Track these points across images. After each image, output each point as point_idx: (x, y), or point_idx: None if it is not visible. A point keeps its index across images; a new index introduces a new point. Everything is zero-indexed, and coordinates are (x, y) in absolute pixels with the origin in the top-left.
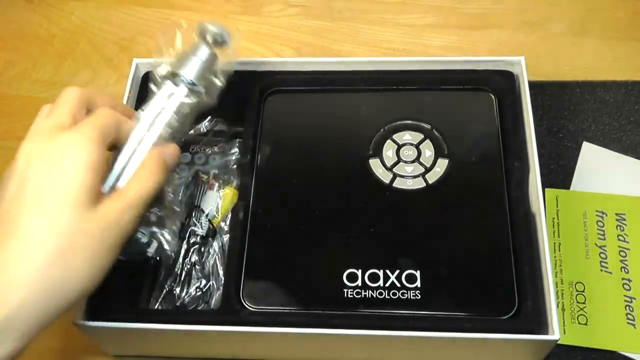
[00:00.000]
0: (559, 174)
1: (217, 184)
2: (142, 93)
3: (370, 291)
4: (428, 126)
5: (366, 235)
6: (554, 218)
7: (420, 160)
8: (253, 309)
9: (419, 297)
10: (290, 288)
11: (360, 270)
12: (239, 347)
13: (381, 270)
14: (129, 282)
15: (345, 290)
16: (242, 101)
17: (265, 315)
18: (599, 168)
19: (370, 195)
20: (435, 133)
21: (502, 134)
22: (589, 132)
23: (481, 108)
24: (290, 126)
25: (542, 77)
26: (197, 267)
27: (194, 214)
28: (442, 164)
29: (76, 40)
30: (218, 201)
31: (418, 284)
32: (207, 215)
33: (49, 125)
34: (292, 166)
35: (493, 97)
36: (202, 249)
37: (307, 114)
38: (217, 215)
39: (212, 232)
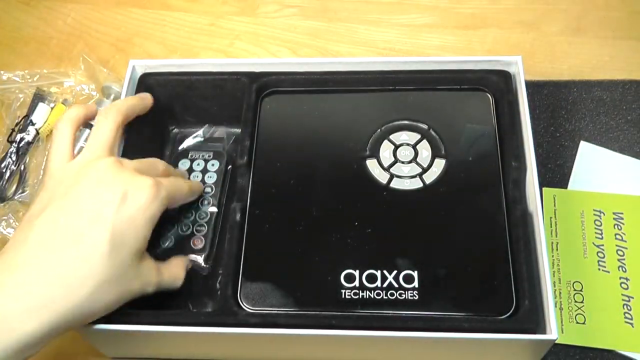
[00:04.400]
0: (556, 173)
1: (49, 99)
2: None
3: (367, 292)
4: (425, 126)
5: (363, 236)
6: (551, 217)
7: (417, 160)
8: (251, 311)
9: (417, 297)
10: (287, 289)
11: (357, 271)
12: (237, 349)
13: (379, 271)
14: None
15: (343, 291)
16: (239, 102)
17: (263, 317)
18: (596, 167)
19: (367, 196)
20: (432, 133)
21: (499, 133)
22: (586, 132)
23: (478, 108)
24: (287, 127)
25: (539, 77)
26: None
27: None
28: (439, 164)
29: (73, 42)
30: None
31: (416, 284)
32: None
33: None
34: (289, 167)
35: (490, 96)
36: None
37: (303, 115)
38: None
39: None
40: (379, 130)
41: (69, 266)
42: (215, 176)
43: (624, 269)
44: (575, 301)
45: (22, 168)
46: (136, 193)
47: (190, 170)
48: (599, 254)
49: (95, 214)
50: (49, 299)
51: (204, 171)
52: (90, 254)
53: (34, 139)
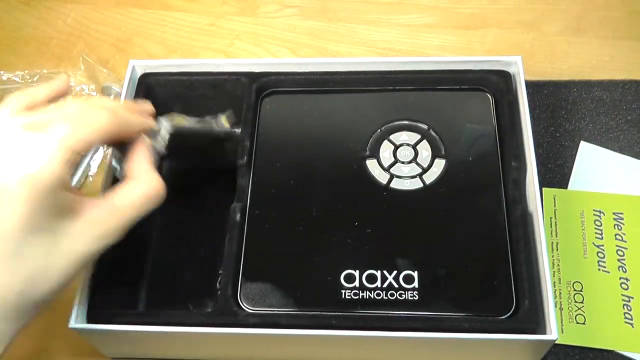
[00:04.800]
0: (556, 173)
1: None
2: (139, 94)
3: (367, 292)
4: (425, 126)
5: (363, 236)
6: (551, 217)
7: (417, 160)
8: (251, 311)
9: (417, 297)
10: (287, 289)
11: (357, 271)
12: (237, 349)
13: (379, 271)
14: (125, 284)
15: (343, 291)
16: (239, 102)
17: (263, 317)
18: (597, 167)
19: (367, 196)
20: (432, 133)
21: (499, 133)
22: (586, 132)
23: (478, 108)
24: (287, 127)
25: (539, 77)
26: None
27: None
28: (439, 164)
29: (73, 42)
30: None
31: (416, 284)
32: None
33: None
34: (289, 167)
35: (490, 97)
36: None
37: (303, 115)
38: None
39: None
40: (379, 130)
41: None
42: None
43: (624, 269)
44: (575, 301)
45: None
46: None
47: None
48: (599, 254)
49: None
50: None
51: None
52: None
53: None
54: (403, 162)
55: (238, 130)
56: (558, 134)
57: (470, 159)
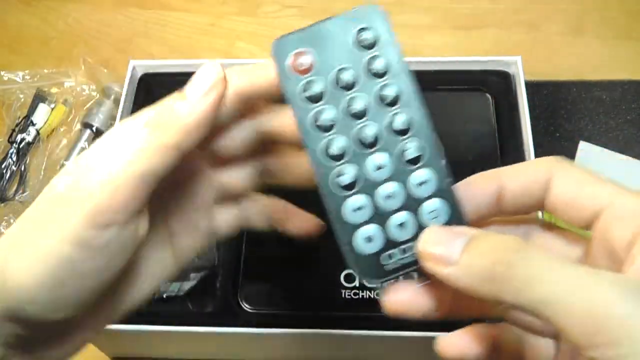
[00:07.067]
0: None
1: (49, 99)
2: (139, 94)
3: (367, 292)
4: None
5: None
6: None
7: None
8: (251, 311)
9: None
10: (287, 289)
11: None
12: (237, 348)
13: None
14: None
15: (343, 291)
16: None
17: (263, 317)
18: (596, 167)
19: None
20: None
21: (499, 133)
22: (586, 132)
23: (478, 108)
24: None
25: (539, 77)
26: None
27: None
28: None
29: (73, 42)
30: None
31: None
32: (35, 125)
33: None
34: None
35: (489, 97)
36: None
37: None
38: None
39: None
40: None
41: None
42: None
43: None
44: None
45: (22, 168)
46: None
47: None
48: None
49: None
50: None
51: None
52: None
53: (34, 139)
54: None
55: None
56: (558, 134)
57: (470, 158)
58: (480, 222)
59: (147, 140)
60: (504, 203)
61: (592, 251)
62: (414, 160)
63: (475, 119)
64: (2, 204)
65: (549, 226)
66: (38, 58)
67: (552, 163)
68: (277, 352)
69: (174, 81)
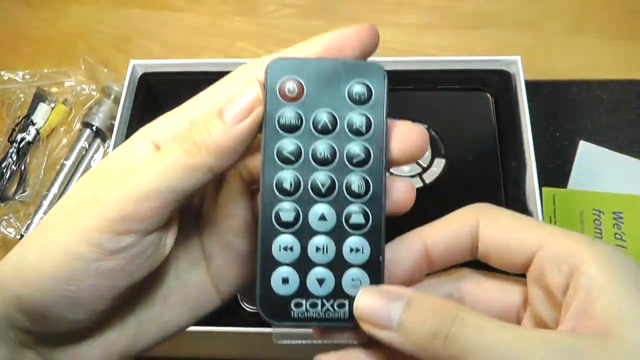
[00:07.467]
0: (555, 172)
1: (49, 99)
2: (139, 94)
3: None
4: (425, 126)
5: None
6: (551, 217)
7: (418, 160)
8: (251, 310)
9: None
10: None
11: None
12: (237, 348)
13: None
14: None
15: None
16: None
17: None
18: (596, 167)
19: None
20: (432, 133)
21: (499, 133)
22: (586, 131)
23: (478, 108)
24: None
25: (539, 77)
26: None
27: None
28: (439, 164)
29: (73, 42)
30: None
31: None
32: (35, 124)
33: None
34: None
35: (490, 96)
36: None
37: None
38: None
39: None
40: None
41: None
42: None
43: None
44: None
45: (22, 168)
46: None
47: None
48: None
49: None
50: None
51: None
52: None
53: (34, 139)
54: None
55: None
56: (558, 134)
57: (470, 158)
58: (413, 278)
59: (179, 159)
60: (432, 260)
61: (531, 296)
62: (356, 227)
63: (475, 119)
64: (2, 204)
65: (484, 273)
66: (38, 58)
67: (477, 212)
68: (277, 352)
69: (174, 81)
